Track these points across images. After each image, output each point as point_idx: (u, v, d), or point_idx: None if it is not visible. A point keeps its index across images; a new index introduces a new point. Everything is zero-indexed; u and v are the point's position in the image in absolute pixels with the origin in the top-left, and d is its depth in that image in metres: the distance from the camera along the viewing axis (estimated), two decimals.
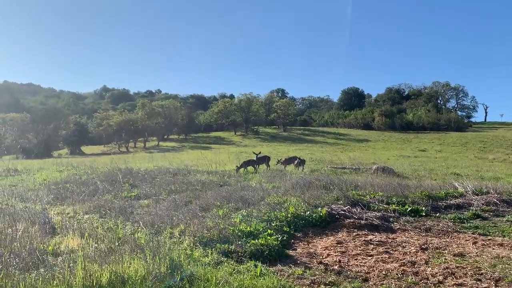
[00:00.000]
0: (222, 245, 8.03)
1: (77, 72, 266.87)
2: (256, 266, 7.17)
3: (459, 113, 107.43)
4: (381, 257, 7.93)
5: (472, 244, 8.97)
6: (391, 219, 11.10)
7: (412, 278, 6.83)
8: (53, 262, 6.88)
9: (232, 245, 8.11)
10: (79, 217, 11.08)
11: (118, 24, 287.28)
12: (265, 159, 24.50)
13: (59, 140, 67.63)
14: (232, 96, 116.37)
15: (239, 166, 22.43)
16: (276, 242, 8.31)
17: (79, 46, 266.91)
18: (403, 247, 8.70)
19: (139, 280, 6.13)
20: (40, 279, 6.01)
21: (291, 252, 8.35)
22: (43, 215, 9.93)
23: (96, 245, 7.77)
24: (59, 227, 9.45)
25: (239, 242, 8.23)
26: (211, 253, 7.70)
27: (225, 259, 7.55)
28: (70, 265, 6.63)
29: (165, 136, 78.90)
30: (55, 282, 5.95)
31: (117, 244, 7.86)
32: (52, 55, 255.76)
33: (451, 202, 13.06)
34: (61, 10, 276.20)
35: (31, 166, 26.45)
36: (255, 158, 23.68)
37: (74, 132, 66.41)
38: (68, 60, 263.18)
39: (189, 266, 6.84)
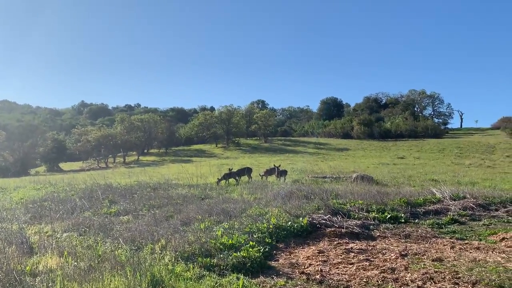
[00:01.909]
0: (204, 259, 8.01)
1: (54, 88, 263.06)
2: (238, 278, 7.17)
3: (436, 120, 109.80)
4: (362, 265, 8.03)
5: (450, 248, 9.16)
6: (371, 226, 11.25)
7: (392, 285, 6.94)
8: (31, 283, 6.75)
9: (214, 258, 8.10)
10: (57, 236, 10.87)
11: (95, 38, 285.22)
12: (245, 171, 24.54)
13: (36, 158, 66.25)
14: (212, 109, 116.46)
15: (220, 178, 22.43)
16: (258, 254, 8.33)
17: (55, 61, 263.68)
18: (383, 254, 8.82)
19: None
20: None
21: (273, 263, 8.37)
22: (20, 235, 9.73)
23: (75, 263, 7.66)
24: (37, 247, 9.27)
25: (221, 255, 8.22)
26: (193, 268, 7.67)
27: (207, 273, 7.53)
28: (49, 285, 6.53)
29: (145, 151, 78.17)
30: None
31: (97, 261, 7.76)
32: (27, 71, 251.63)
33: (430, 208, 13.31)
34: (36, 25, 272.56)
35: (7, 184, 25.85)
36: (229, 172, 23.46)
37: (52, 149, 65.11)
38: (45, 76, 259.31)
39: (170, 282, 6.79)
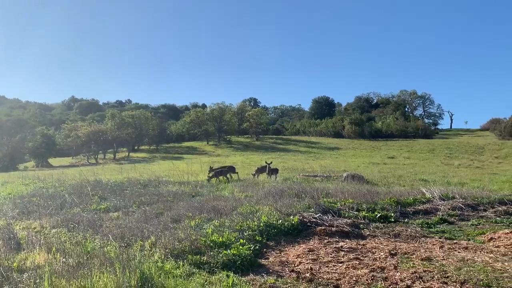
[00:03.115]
0: (194, 257, 7.99)
1: (44, 83, 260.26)
2: (228, 276, 7.16)
3: (426, 120, 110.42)
4: (352, 264, 8.06)
5: (439, 248, 9.23)
6: (361, 225, 11.30)
7: (382, 283, 6.97)
8: (18, 279, 6.68)
9: (204, 256, 8.08)
10: (46, 232, 10.78)
11: (86, 34, 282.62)
12: (229, 169, 24.54)
13: (25, 153, 65.46)
14: (204, 106, 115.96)
15: (210, 176, 22.43)
16: (248, 252, 8.32)
17: (45, 56, 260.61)
18: (373, 253, 8.86)
19: None
20: None
21: (263, 261, 8.37)
22: (7, 231, 9.62)
23: (64, 260, 7.59)
24: (24, 243, 9.17)
25: (211, 253, 8.20)
26: (183, 265, 7.64)
27: (197, 270, 7.51)
28: (37, 281, 6.47)
29: (136, 147, 77.64)
30: None
31: (85, 258, 7.70)
32: (17, 65, 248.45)
33: (419, 207, 13.42)
34: (26, 19, 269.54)
35: None
36: (210, 174, 23.27)
37: (41, 144, 64.33)
38: (35, 70, 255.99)
39: (160, 279, 6.76)
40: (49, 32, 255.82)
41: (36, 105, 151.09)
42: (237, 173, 24.82)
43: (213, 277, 7.18)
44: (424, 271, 7.49)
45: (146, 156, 66.74)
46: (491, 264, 7.93)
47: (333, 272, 7.58)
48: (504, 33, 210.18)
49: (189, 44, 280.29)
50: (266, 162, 25.23)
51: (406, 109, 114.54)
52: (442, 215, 12.49)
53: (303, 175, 25.36)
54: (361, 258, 8.48)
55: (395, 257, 8.50)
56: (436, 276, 7.24)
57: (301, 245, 9.49)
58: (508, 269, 7.62)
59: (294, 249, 9.24)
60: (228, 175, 23.56)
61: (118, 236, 9.52)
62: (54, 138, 71.10)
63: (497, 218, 12.35)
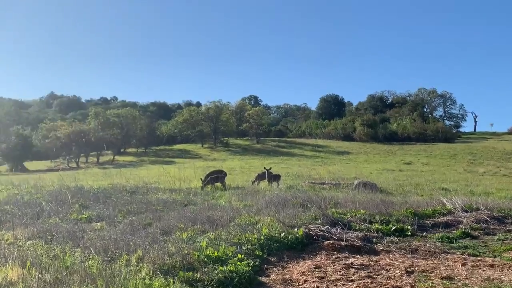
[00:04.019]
0: (186, 273, 7.95)
1: (20, 77, 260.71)
2: None
3: (447, 122, 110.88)
4: (363, 282, 8.02)
5: (461, 265, 9.20)
6: (374, 239, 11.27)
7: None
8: None
9: (197, 272, 8.04)
10: (20, 244, 10.74)
11: (67, 24, 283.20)
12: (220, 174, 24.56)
13: None
14: (198, 104, 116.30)
15: (204, 183, 22.47)
16: (247, 268, 8.29)
17: (21, 48, 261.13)
18: (387, 270, 8.83)
19: None
20: None
21: (264, 279, 8.34)
22: None
23: (40, 275, 7.55)
24: None
25: (206, 269, 8.17)
26: (173, 282, 7.61)
27: None
28: None
29: (122, 150, 77.90)
30: None
31: (64, 274, 7.67)
32: None
33: (439, 220, 13.39)
34: (1, 10, 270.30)
35: None
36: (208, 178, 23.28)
37: (16, 145, 64.53)
38: (9, 63, 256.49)
39: None
40: (26, 22, 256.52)
41: (11, 102, 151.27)
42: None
43: None
44: None
45: (133, 159, 66.92)
46: None
47: None
48: None
49: (182, 36, 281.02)
50: (264, 168, 25.30)
51: (425, 110, 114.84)
52: (465, 229, 12.45)
53: (309, 182, 25.39)
54: (374, 276, 8.45)
55: (412, 276, 8.47)
56: None
57: (307, 261, 9.46)
58: None
59: (298, 265, 9.22)
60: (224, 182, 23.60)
61: (101, 250, 9.50)
62: (31, 139, 71.32)
63: None
